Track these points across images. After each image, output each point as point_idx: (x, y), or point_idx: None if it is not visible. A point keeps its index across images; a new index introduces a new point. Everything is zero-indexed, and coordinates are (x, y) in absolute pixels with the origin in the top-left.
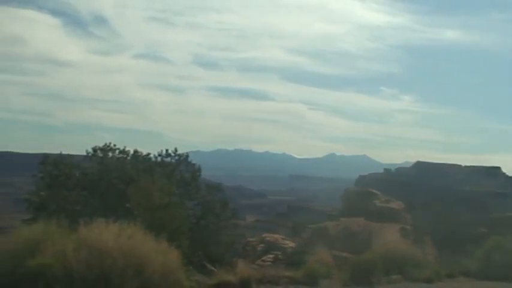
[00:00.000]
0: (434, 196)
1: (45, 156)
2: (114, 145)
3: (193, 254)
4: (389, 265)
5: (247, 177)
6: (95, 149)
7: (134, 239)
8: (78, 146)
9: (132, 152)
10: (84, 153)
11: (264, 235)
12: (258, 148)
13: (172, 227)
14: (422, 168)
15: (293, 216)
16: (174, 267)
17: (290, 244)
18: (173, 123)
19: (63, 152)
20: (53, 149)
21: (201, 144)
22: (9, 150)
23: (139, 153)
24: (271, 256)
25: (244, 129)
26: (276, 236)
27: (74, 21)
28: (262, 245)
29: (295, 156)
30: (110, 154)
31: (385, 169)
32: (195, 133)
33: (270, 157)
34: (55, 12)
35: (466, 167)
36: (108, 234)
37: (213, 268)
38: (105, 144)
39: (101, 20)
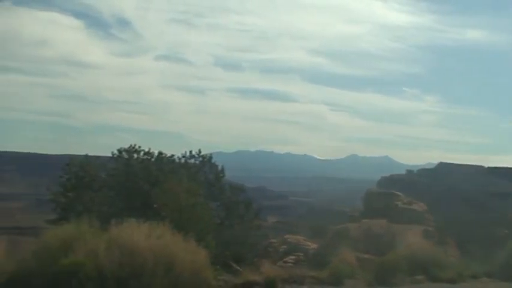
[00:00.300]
0: (457, 197)
1: (71, 158)
2: (139, 147)
3: (219, 254)
4: (413, 266)
5: (269, 178)
6: (120, 151)
7: (164, 239)
8: (100, 147)
9: (156, 153)
10: (107, 154)
11: (285, 236)
12: (280, 149)
13: (199, 227)
14: (445, 169)
15: (314, 218)
16: (203, 267)
17: (312, 245)
18: (194, 124)
19: (86, 153)
20: (75, 150)
21: (223, 145)
22: (32, 151)
23: (164, 155)
24: (292, 257)
25: (265, 131)
26: (297, 237)
27: (96, 23)
28: (284, 246)
29: (317, 157)
30: (135, 155)
31: (407, 170)
32: (216, 134)
33: (292, 158)
34: (78, 14)
35: (489, 167)
36: (138, 234)
37: (238, 268)
38: (130, 145)
39: (123, 22)
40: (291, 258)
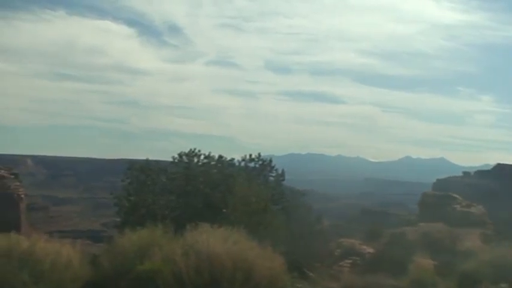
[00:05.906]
0: None
1: (129, 162)
2: (199, 151)
3: (292, 260)
4: (497, 274)
5: (320, 181)
6: (180, 155)
7: (240, 245)
8: (155, 151)
9: (216, 157)
10: (161, 158)
11: (340, 240)
12: (331, 152)
13: (271, 232)
14: (504, 171)
15: (368, 221)
16: (280, 274)
17: (368, 249)
18: (245, 128)
19: (146, 158)
20: (130, 155)
21: (273, 148)
22: (89, 156)
23: (224, 158)
24: (349, 261)
25: (316, 133)
26: (352, 240)
27: (148, 30)
28: (338, 250)
29: (370, 159)
30: (195, 159)
31: (464, 172)
32: (267, 138)
33: (343, 161)
34: (130, 23)
35: None
36: (214, 240)
37: (311, 274)
38: (190, 150)
39: (174, 29)
40: (346, 262)
